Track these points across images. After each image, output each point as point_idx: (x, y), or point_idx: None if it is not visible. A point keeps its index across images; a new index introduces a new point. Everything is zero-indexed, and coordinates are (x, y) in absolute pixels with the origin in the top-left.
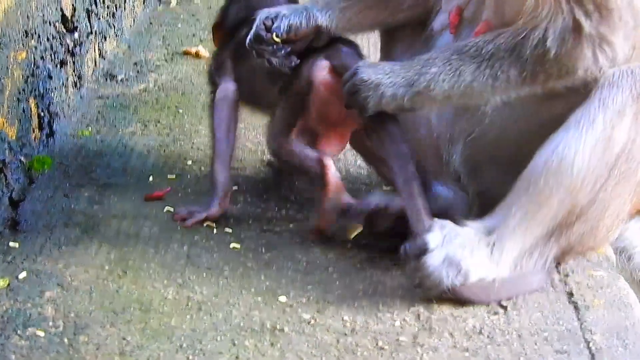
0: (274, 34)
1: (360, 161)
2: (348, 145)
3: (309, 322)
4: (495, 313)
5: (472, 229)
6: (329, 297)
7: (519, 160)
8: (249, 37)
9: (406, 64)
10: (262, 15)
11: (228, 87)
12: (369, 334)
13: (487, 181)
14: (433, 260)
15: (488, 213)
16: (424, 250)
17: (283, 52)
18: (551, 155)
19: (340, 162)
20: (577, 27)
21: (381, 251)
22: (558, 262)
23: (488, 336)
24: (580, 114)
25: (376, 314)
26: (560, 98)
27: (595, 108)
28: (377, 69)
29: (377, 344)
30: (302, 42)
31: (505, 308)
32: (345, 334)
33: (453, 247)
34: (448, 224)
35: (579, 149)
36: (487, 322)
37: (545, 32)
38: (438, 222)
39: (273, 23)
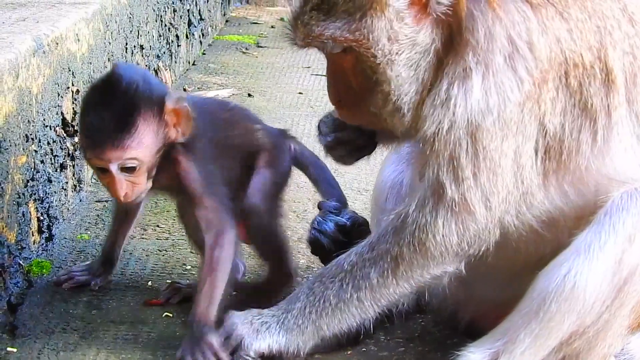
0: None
1: None
2: None
3: None
4: None
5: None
6: None
7: (519, 271)
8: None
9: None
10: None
11: None
12: None
13: (482, 291)
14: None
15: (478, 328)
16: None
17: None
18: (562, 280)
19: None
20: (438, 192)
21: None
22: None
23: None
24: (590, 238)
25: None
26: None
27: (606, 233)
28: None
29: None
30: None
31: None
32: None
33: None
34: None
35: (590, 274)
36: None
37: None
38: None
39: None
